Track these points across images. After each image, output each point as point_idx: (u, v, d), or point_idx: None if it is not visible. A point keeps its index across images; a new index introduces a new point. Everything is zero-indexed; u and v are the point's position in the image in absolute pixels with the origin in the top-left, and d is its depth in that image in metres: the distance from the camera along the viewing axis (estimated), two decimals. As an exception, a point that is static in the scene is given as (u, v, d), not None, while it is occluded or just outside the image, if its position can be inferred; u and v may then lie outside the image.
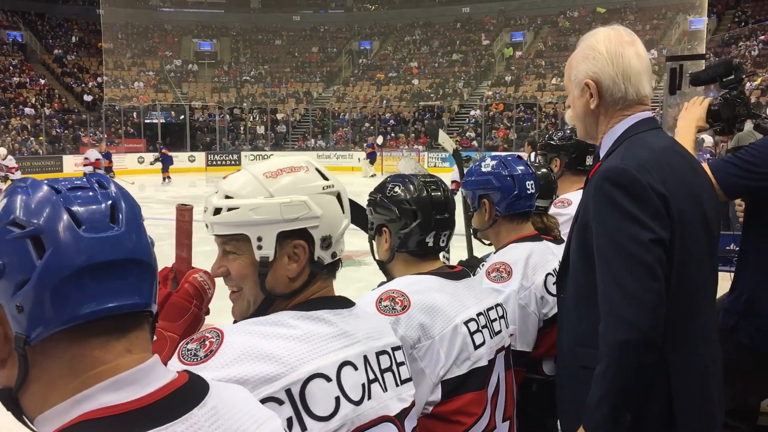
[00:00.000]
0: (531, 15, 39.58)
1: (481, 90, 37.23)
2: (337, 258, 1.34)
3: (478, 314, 1.80)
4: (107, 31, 40.55)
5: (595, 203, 1.64)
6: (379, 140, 26.49)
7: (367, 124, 36.24)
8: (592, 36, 1.76)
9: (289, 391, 1.14)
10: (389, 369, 1.34)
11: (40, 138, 31.29)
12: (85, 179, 0.87)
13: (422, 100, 37.28)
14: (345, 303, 1.36)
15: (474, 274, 2.30)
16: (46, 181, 0.85)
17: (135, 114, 36.06)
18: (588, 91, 1.72)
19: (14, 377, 0.81)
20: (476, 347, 1.74)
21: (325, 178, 1.31)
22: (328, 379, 1.20)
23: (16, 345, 0.79)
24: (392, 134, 34.42)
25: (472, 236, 2.64)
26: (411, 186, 1.85)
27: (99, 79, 39.10)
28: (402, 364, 1.40)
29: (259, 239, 1.25)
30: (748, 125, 3.06)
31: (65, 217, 0.80)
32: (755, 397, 2.26)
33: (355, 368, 1.25)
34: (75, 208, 0.82)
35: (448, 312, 1.72)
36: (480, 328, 1.78)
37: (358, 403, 1.23)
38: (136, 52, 42.14)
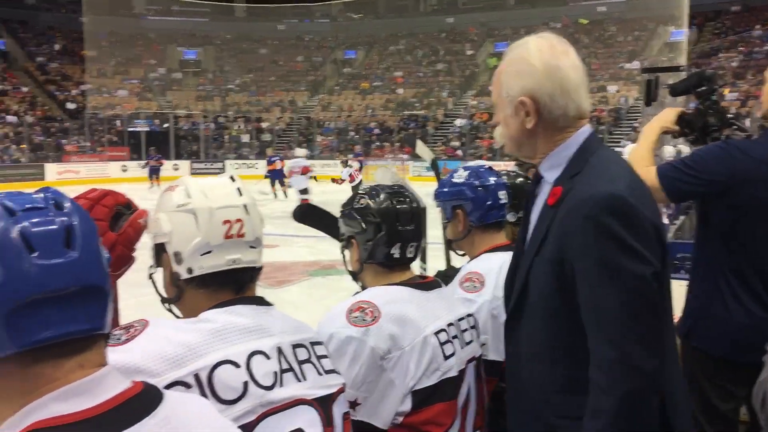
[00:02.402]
0: (514, 26, 39.88)
1: (465, 99, 37.40)
2: (209, 272, 1.36)
3: (449, 324, 1.81)
4: (90, 38, 40.32)
5: (585, 236, 1.43)
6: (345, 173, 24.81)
7: (351, 133, 36.28)
8: (522, 47, 1.60)
9: (197, 376, 1.20)
10: (308, 361, 1.39)
11: (22, 146, 31.02)
12: (42, 197, 0.86)
13: (407, 109, 37.38)
14: (262, 302, 1.42)
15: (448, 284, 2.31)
16: (0, 200, 0.84)
17: (118, 122, 35.87)
18: (524, 110, 1.56)
19: None
20: (446, 358, 1.75)
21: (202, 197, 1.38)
22: (237, 366, 1.25)
23: None
24: (377, 143, 34.47)
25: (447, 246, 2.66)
26: (377, 198, 1.87)
27: (82, 87, 38.86)
28: (324, 357, 1.44)
29: (153, 248, 1.45)
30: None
31: (18, 242, 0.79)
32: (719, 400, 2.29)
33: (267, 357, 1.31)
34: (29, 233, 0.80)
35: (418, 323, 1.73)
36: (450, 339, 1.79)
37: (268, 389, 1.27)
38: (119, 60, 41.94)
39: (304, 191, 15.49)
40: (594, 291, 1.43)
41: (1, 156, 29.74)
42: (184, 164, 32.98)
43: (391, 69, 41.89)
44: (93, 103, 37.50)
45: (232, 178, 1.45)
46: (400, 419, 1.67)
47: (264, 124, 38.50)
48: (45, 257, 0.80)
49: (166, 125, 36.30)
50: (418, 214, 1.90)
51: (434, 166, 3.87)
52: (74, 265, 0.82)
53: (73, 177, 29.08)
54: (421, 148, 3.82)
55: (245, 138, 37.32)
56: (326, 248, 9.36)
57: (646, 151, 2.33)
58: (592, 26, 38.02)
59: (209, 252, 1.35)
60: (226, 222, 1.36)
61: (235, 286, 1.39)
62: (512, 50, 1.63)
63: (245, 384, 1.24)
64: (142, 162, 27.08)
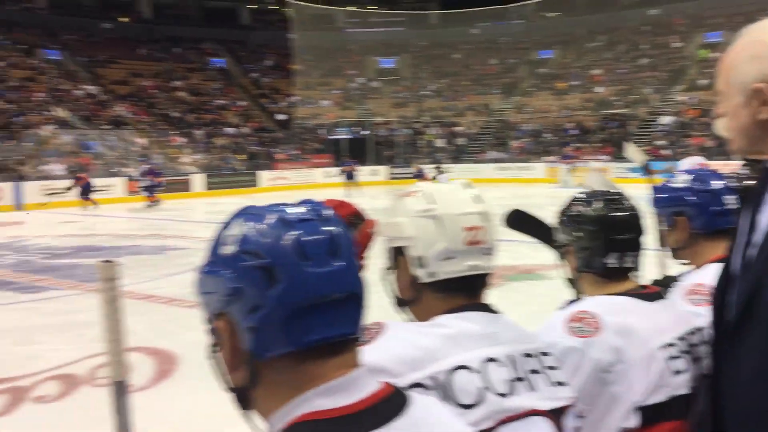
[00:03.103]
0: (728, 14, 36.62)
1: (671, 95, 35.05)
2: (450, 277, 1.40)
3: (679, 339, 1.71)
4: (298, 53, 43.29)
5: None
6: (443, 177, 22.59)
7: (547, 135, 35.48)
8: (762, 29, 1.40)
9: (435, 378, 1.22)
10: (538, 371, 1.36)
11: (240, 156, 34.00)
12: (308, 208, 0.94)
13: (606, 108, 35.81)
14: (491, 309, 1.43)
15: (667, 295, 2.18)
16: (275, 210, 0.93)
17: (322, 131, 38.16)
18: (760, 99, 1.36)
19: (245, 380, 0.91)
20: (676, 374, 1.65)
21: (434, 203, 1.41)
22: (474, 372, 1.26)
23: (246, 359, 0.90)
24: (575, 144, 33.38)
25: (665, 255, 2.50)
26: (592, 204, 1.80)
27: (290, 99, 41.83)
28: (553, 368, 1.41)
29: (386, 251, 1.50)
30: None
31: (296, 251, 0.87)
32: None
33: (501, 365, 1.31)
34: (303, 242, 0.88)
35: (643, 335, 1.65)
36: (679, 354, 1.68)
37: (503, 397, 1.27)
38: (323, 72, 44.55)
39: None
40: None
41: (222, 164, 32.80)
42: (382, 169, 34.24)
43: (589, 67, 40.39)
44: (300, 113, 40.22)
45: (467, 184, 1.48)
46: (625, 436, 1.60)
47: (458, 129, 38.86)
48: (318, 266, 0.88)
49: (365, 132, 37.96)
50: (637, 222, 1.81)
51: (646, 169, 3.68)
52: (341, 274, 0.89)
53: (282, 183, 31.36)
54: (630, 150, 3.65)
55: (440, 143, 37.93)
56: (525, 252, 9.20)
57: None
58: (823, 7, 33.93)
59: (451, 257, 1.39)
60: (467, 228, 1.40)
61: (470, 291, 1.42)
62: (748, 33, 1.43)
63: (482, 390, 1.25)
64: (338, 168, 28.45)
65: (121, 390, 1.11)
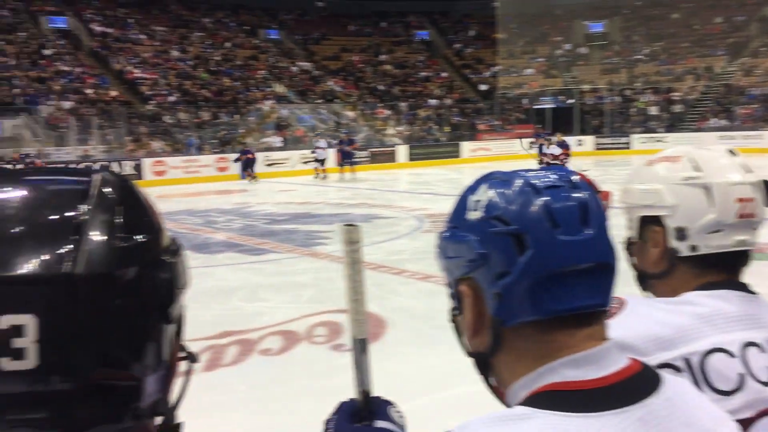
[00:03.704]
0: None
1: None
2: (713, 252, 1.28)
3: None
4: (502, 22, 42.59)
5: None
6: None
7: (781, 100, 31.79)
8: None
9: (687, 360, 1.13)
10: None
11: (445, 128, 34.37)
12: (556, 174, 0.89)
13: None
14: (749, 289, 1.28)
15: None
16: (523, 176, 0.89)
17: (525, 100, 37.35)
18: None
19: (487, 345, 0.89)
20: None
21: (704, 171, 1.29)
22: (732, 356, 1.15)
23: (492, 325, 0.87)
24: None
25: None
26: None
27: (493, 69, 41.39)
28: None
29: (629, 220, 1.40)
30: None
31: (545, 218, 0.84)
32: None
33: (763, 351, 1.17)
34: (553, 209, 0.84)
35: None
36: None
37: (766, 385, 1.14)
38: (527, 40, 43.46)
39: None
40: None
41: (425, 135, 33.41)
42: (588, 139, 32.85)
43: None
44: (503, 83, 39.71)
45: (732, 152, 1.35)
46: None
47: (675, 95, 36.08)
48: (568, 233, 0.84)
49: (570, 101, 36.57)
50: None
51: None
52: (592, 242, 0.85)
53: (484, 154, 31.25)
54: None
55: (653, 110, 35.50)
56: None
57: None
58: None
59: (719, 231, 1.28)
60: (739, 200, 1.28)
61: (729, 269, 1.30)
62: None
63: (742, 376, 1.15)
64: (529, 140, 27.06)
65: (362, 347, 1.15)
